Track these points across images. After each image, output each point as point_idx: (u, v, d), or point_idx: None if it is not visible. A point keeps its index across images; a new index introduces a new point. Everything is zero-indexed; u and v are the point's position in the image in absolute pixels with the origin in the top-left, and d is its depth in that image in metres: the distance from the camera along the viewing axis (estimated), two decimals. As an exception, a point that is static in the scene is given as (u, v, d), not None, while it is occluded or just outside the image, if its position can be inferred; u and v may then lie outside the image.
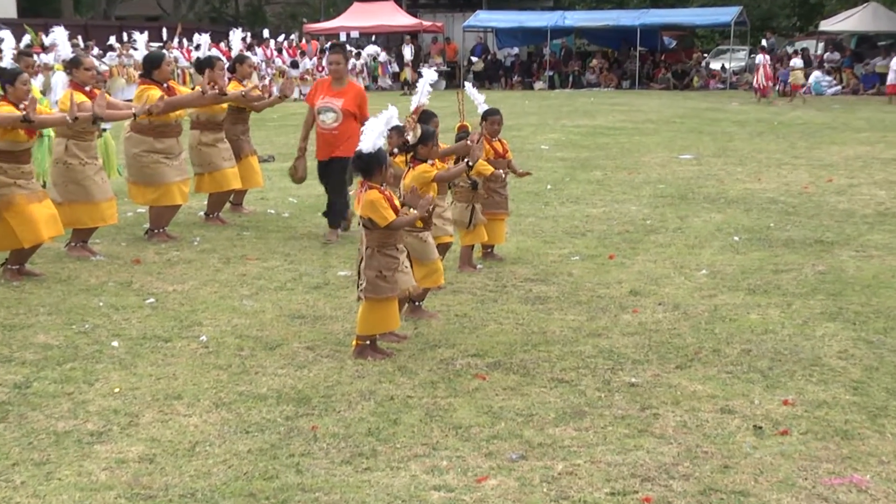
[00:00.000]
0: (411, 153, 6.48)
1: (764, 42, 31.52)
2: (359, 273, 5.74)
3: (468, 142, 6.98)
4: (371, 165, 5.60)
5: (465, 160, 6.76)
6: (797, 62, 31.19)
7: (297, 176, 9.29)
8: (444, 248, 7.42)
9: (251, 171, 10.50)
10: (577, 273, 7.94)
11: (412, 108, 6.97)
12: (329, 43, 32.76)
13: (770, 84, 30.12)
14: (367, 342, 5.80)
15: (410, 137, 6.40)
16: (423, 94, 7.19)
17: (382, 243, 5.67)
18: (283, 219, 10.43)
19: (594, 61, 39.30)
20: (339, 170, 8.78)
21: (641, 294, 7.25)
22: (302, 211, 10.90)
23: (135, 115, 8.42)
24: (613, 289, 7.41)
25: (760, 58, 30.02)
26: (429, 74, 7.23)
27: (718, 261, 8.34)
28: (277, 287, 7.50)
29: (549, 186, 12.54)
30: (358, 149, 5.55)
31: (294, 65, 32.61)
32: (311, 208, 11.03)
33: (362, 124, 8.05)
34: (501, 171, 8.15)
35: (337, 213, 9.20)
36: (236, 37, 11.93)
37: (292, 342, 6.08)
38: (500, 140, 8.41)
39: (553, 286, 7.51)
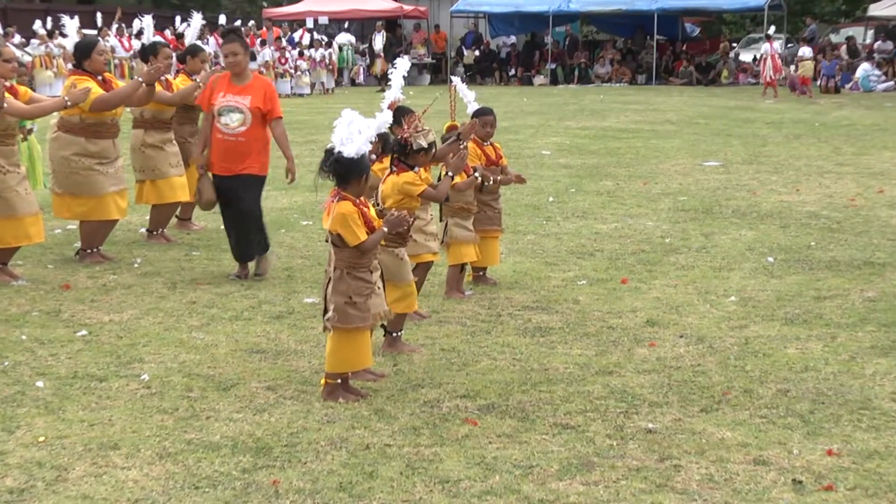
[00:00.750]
0: (397, 156, 6.52)
1: (770, 31, 31.96)
2: (325, 299, 5.75)
3: (459, 145, 7.02)
4: (351, 173, 5.63)
5: (448, 172, 6.81)
6: (806, 51, 31.79)
7: (204, 200, 8.57)
8: (425, 268, 7.44)
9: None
10: (583, 300, 7.96)
11: (385, 104, 7.00)
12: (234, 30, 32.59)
13: (778, 77, 30.79)
14: (338, 381, 5.80)
15: (423, 142, 6.46)
16: (396, 88, 7.22)
17: (353, 264, 5.69)
18: (240, 236, 10.42)
19: (604, 52, 39.55)
20: (250, 189, 8.38)
21: (660, 324, 7.27)
22: (261, 227, 10.90)
23: (67, 103, 8.42)
24: (627, 318, 7.44)
25: (766, 47, 30.55)
26: (402, 65, 7.28)
27: (750, 286, 8.38)
28: (233, 317, 7.50)
29: (550, 198, 12.59)
30: (339, 151, 5.56)
31: (251, 56, 32.78)
32: (275, 224, 11.04)
33: (270, 126, 8.18)
34: (492, 176, 8.17)
35: (252, 245, 8.50)
36: (195, 23, 11.91)
37: (250, 381, 6.08)
38: (492, 144, 8.45)
39: (556, 315, 7.53)
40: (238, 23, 33.82)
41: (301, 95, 33.39)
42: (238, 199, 8.40)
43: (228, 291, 8.22)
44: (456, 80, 8.48)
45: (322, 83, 35.06)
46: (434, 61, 40.53)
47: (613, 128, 21.32)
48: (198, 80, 9.94)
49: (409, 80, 7.57)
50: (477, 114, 8.34)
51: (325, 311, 5.74)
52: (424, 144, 6.49)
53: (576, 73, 38.74)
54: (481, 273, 8.54)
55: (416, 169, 6.53)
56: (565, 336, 7.02)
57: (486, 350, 6.69)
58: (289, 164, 8.53)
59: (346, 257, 5.68)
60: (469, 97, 8.41)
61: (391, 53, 35.81)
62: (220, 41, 34.98)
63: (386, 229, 5.79)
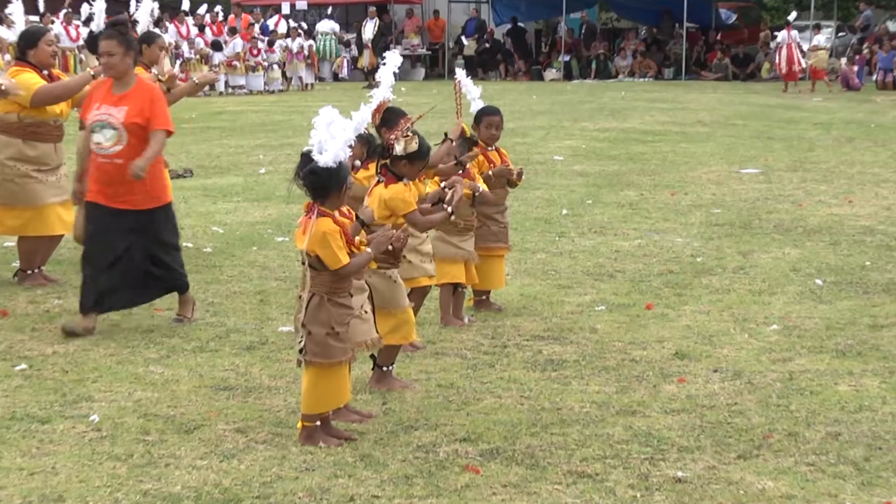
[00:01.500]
0: (384, 163, 6.51)
1: (791, 17, 32.37)
2: (300, 329, 5.73)
3: (457, 169, 6.98)
4: (328, 184, 5.61)
5: (444, 205, 6.64)
6: (820, 40, 32.06)
7: (77, 234, 8.25)
8: (421, 293, 7.43)
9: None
10: (602, 328, 7.97)
11: (373, 104, 7.03)
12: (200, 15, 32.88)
13: (799, 69, 31.54)
14: (318, 423, 5.80)
15: (399, 148, 6.43)
16: (386, 86, 7.20)
17: (333, 289, 5.68)
18: (205, 255, 10.44)
19: (625, 42, 39.66)
20: (155, 227, 7.84)
21: (690, 357, 7.28)
22: (230, 244, 10.92)
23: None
24: (652, 350, 7.44)
25: (784, 35, 30.89)
26: (392, 59, 7.30)
27: (795, 312, 8.39)
28: (196, 348, 7.50)
29: (564, 211, 12.61)
30: (314, 161, 5.54)
31: (217, 46, 32.76)
32: (243, 241, 11.05)
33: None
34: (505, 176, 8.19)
35: (170, 283, 8.08)
36: (144, 6, 11.94)
37: (216, 423, 6.08)
38: (497, 149, 8.46)
39: (570, 346, 7.54)
40: (203, 8, 33.97)
41: (273, 92, 33.43)
42: (137, 240, 7.79)
43: (192, 319, 8.21)
44: (460, 73, 8.50)
45: (300, 78, 35.12)
46: (430, 52, 40.62)
47: (636, 129, 21.36)
48: (156, 71, 9.95)
49: (401, 75, 7.61)
50: (481, 114, 8.36)
51: (299, 342, 5.74)
52: (399, 151, 6.43)
53: (593, 66, 38.82)
54: (484, 297, 8.54)
55: (406, 181, 6.50)
56: (581, 370, 7.03)
57: (489, 386, 6.70)
58: (137, 160, 7.55)
59: (325, 281, 5.67)
60: (473, 93, 8.41)
61: (380, 44, 35.87)
62: (182, 29, 34.54)
63: (371, 251, 5.77)
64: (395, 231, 5.96)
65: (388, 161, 6.52)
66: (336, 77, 38.75)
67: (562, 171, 15.92)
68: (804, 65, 32.30)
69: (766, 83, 35.52)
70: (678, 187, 14.39)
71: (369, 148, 7.16)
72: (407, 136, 6.45)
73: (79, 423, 6.07)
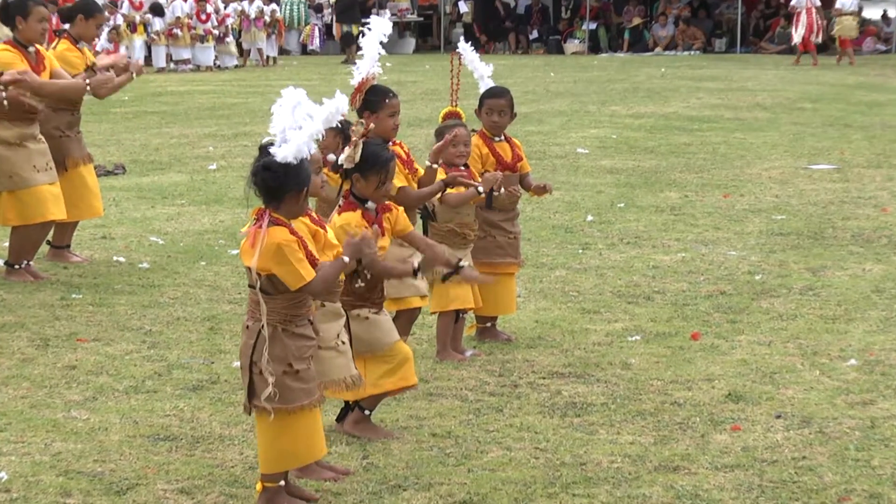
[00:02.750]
0: (344, 178, 6.47)
1: None
2: (248, 367, 5.70)
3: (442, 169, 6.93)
4: (285, 185, 5.57)
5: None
6: (846, 3, 32.34)
7: None
8: (409, 318, 7.44)
9: (84, 189, 10.55)
10: (637, 364, 7.98)
11: (355, 81, 7.02)
12: None
13: (816, 37, 32.37)
14: (281, 483, 5.80)
15: (343, 157, 6.31)
16: (372, 59, 7.21)
17: (289, 316, 5.64)
18: (140, 272, 10.45)
19: (666, 7, 39.74)
20: None
21: (746, 399, 7.29)
22: (172, 258, 10.93)
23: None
24: (699, 390, 7.45)
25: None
26: (379, 25, 7.31)
27: (878, 344, 8.40)
28: (130, 388, 7.51)
29: (589, 217, 12.63)
30: (270, 157, 5.53)
31: (156, 9, 32.75)
32: (188, 254, 11.05)
33: None
34: (505, 188, 8.21)
35: None
36: None
37: (155, 482, 6.08)
38: (508, 140, 8.48)
39: (597, 386, 7.55)
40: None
41: (226, 69, 33.47)
42: None
43: (124, 351, 8.22)
44: (463, 46, 8.50)
45: (259, 50, 35.21)
46: (421, 19, 40.75)
47: (680, 115, 21.41)
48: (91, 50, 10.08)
49: (387, 47, 7.58)
50: (483, 96, 8.37)
51: (251, 384, 5.71)
52: (342, 161, 6.33)
53: (625, 36, 38.93)
54: (489, 325, 8.55)
55: (369, 206, 6.43)
56: (610, 416, 7.04)
57: (495, 436, 6.70)
58: None
59: (280, 307, 5.65)
60: (481, 70, 8.41)
61: (356, 9, 35.91)
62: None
63: (347, 259, 5.73)
64: (365, 234, 5.84)
65: (344, 177, 6.43)
66: (305, 49, 38.89)
67: (586, 167, 15.94)
68: (823, 33, 33.34)
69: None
70: (732, 188, 14.41)
71: (345, 138, 7.16)
72: (353, 140, 6.29)
73: (-17, 482, 6.08)
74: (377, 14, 7.75)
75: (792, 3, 33.05)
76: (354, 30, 35.43)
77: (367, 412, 6.63)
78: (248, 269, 5.59)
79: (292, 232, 5.54)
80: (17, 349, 8.22)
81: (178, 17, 32.56)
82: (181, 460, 6.33)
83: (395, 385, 6.52)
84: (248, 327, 5.70)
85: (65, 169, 10.24)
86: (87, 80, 9.74)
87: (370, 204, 6.42)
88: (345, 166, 6.29)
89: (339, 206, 6.48)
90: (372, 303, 6.42)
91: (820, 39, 33.22)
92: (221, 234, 11.94)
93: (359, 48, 7.34)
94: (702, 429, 6.79)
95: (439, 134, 7.82)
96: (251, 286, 5.64)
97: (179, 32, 32.62)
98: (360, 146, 6.23)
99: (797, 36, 32.81)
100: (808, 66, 32.28)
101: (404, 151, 7.48)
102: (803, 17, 32.10)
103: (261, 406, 5.62)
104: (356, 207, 6.40)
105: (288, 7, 37.42)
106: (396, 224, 6.56)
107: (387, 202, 6.53)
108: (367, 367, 6.26)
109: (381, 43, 7.12)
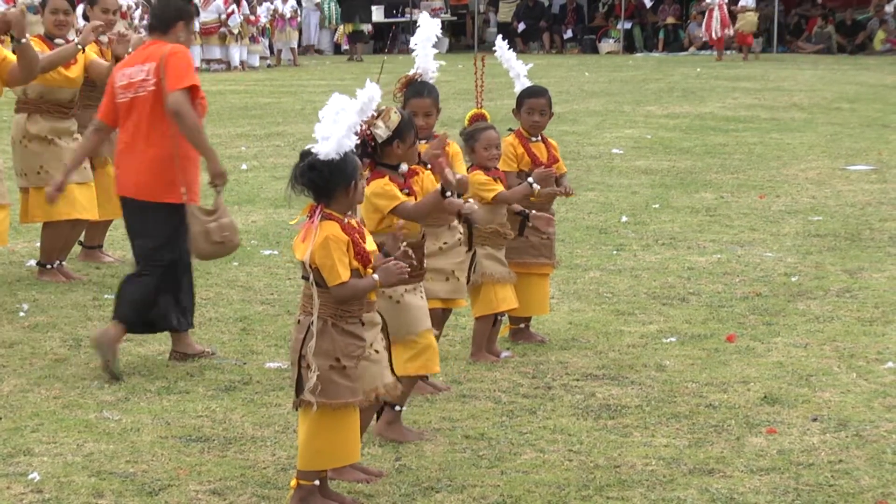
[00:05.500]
0: (375, 154, 6.48)
1: None
2: (297, 361, 5.73)
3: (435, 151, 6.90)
4: (333, 182, 5.61)
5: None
6: (749, 0, 34.07)
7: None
8: (440, 319, 7.44)
9: (112, 189, 10.60)
10: (671, 366, 7.97)
11: (412, 72, 7.04)
12: None
13: (728, 34, 34.05)
14: (316, 482, 5.81)
15: (382, 130, 6.37)
16: (426, 53, 7.22)
17: (340, 312, 5.68)
18: (172, 272, 10.48)
19: (702, 5, 39.63)
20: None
21: (782, 402, 7.27)
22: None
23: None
24: (734, 393, 7.44)
25: None
26: (427, 23, 7.30)
27: (916, 346, 8.38)
28: (162, 389, 7.53)
29: (623, 218, 12.61)
30: (314, 155, 5.56)
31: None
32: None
33: None
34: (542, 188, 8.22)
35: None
36: None
37: (187, 483, 6.10)
38: (545, 140, 8.47)
39: (631, 388, 7.54)
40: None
41: (255, 68, 33.44)
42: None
43: (157, 351, 8.25)
44: (500, 44, 8.49)
45: (292, 49, 35.26)
46: (455, 18, 40.73)
47: (716, 115, 21.36)
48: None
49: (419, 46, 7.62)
50: (522, 96, 8.36)
51: (299, 379, 5.74)
52: (384, 133, 6.40)
53: (661, 35, 38.85)
54: (523, 326, 8.55)
55: (401, 169, 6.46)
56: (645, 418, 7.03)
57: (529, 438, 6.70)
58: None
59: (331, 301, 5.69)
60: (517, 70, 8.42)
61: (365, 7, 35.88)
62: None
63: (378, 278, 5.71)
64: (403, 264, 5.83)
65: (367, 155, 6.45)
66: (338, 49, 38.87)
67: (621, 167, 15.92)
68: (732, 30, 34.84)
69: (880, 57, 35.48)
70: (768, 188, 14.37)
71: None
72: (381, 114, 6.35)
73: (15, 483, 6.08)
74: (419, 11, 7.79)
75: (707, 0, 34.09)
76: (357, 26, 35.46)
77: (397, 408, 6.61)
78: (301, 262, 5.62)
79: (344, 229, 5.59)
80: (49, 349, 8.26)
81: (219, 17, 32.52)
82: (213, 461, 6.35)
83: (416, 370, 6.51)
84: (299, 321, 5.74)
85: (94, 168, 10.28)
86: (76, 41, 9.68)
87: (403, 167, 6.47)
88: (386, 134, 6.34)
89: (367, 178, 6.47)
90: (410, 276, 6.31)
91: (732, 33, 34.89)
92: (254, 234, 11.96)
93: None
94: (737, 431, 6.78)
95: (468, 136, 7.87)
96: (304, 278, 5.68)
97: (215, 32, 32.57)
98: (392, 114, 6.32)
99: (714, 32, 34.47)
100: (848, 66, 32.17)
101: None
102: (716, 13, 33.51)
103: (306, 400, 5.64)
104: (384, 174, 6.44)
105: (322, 6, 37.41)
106: (423, 186, 6.60)
107: (413, 166, 6.60)
108: (392, 351, 6.22)
109: (435, 38, 7.18)
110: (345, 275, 5.56)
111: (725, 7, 33.95)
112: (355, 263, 5.64)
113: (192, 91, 7.79)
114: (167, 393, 7.45)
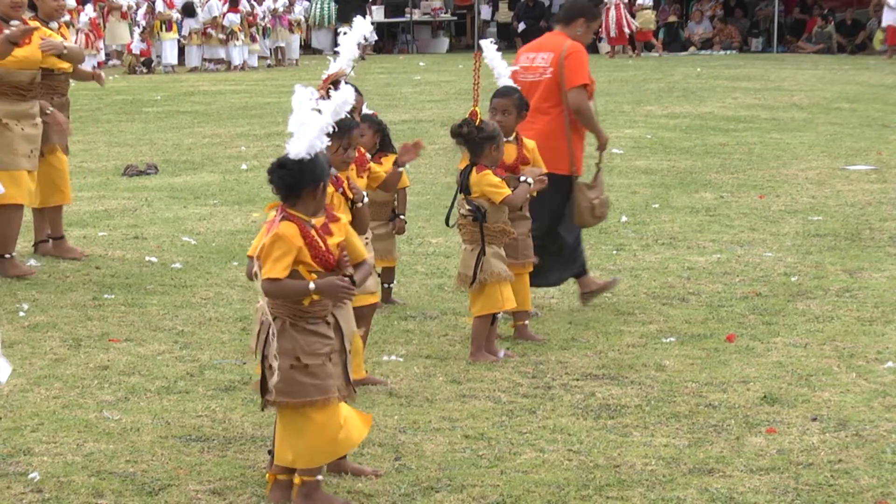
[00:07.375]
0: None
1: None
2: (262, 361, 5.72)
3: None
4: (300, 182, 5.60)
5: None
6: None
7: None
8: (365, 314, 7.38)
9: (56, 175, 10.72)
10: (671, 365, 7.98)
11: (326, 72, 7.06)
12: None
13: (626, 34, 35.56)
14: (318, 477, 5.81)
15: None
16: (346, 55, 7.23)
17: (297, 311, 5.65)
18: (173, 272, 10.49)
19: (701, 4, 39.65)
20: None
21: (782, 402, 7.27)
22: (204, 258, 10.95)
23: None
24: (734, 392, 7.45)
25: None
26: (359, 26, 7.30)
27: (916, 345, 8.39)
28: (162, 388, 7.54)
29: (623, 218, 12.60)
30: (285, 153, 5.56)
31: (188, 10, 32.61)
32: (220, 254, 11.09)
33: None
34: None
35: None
36: None
37: (187, 483, 6.10)
38: (518, 140, 8.45)
39: (631, 388, 7.55)
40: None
41: (254, 68, 33.40)
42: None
43: (157, 351, 8.25)
44: (486, 43, 8.51)
45: (281, 49, 35.18)
46: (455, 18, 40.69)
47: (715, 115, 21.34)
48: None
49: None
50: (493, 96, 8.40)
51: (262, 379, 5.73)
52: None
53: (660, 34, 38.83)
54: (524, 324, 8.56)
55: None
56: (644, 418, 7.04)
57: (528, 438, 6.71)
58: None
59: (283, 302, 5.68)
60: (500, 69, 8.46)
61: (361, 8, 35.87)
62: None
63: (313, 287, 5.62)
64: (346, 278, 5.72)
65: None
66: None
67: (620, 167, 15.91)
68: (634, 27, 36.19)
69: (879, 56, 35.43)
70: (768, 188, 14.37)
71: (383, 136, 7.17)
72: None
73: (15, 483, 6.08)
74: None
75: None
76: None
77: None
78: (248, 258, 5.66)
79: (303, 232, 5.56)
80: (49, 349, 8.27)
81: (215, 17, 32.43)
82: (213, 461, 6.36)
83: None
84: (261, 323, 5.72)
85: (42, 155, 10.36)
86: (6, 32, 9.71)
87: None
88: None
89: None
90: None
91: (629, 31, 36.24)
92: (254, 234, 11.79)
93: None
94: (737, 431, 6.79)
95: (488, 136, 7.95)
96: (250, 277, 5.68)
97: (213, 32, 32.51)
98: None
99: (612, 31, 35.61)
100: (848, 66, 32.15)
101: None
102: (612, 13, 34.58)
103: (271, 400, 5.65)
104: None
105: (318, 6, 37.35)
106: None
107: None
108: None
109: (358, 44, 7.16)
110: (276, 273, 5.51)
111: (623, 8, 35.35)
112: (314, 265, 5.61)
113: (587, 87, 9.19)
114: (167, 393, 7.45)
